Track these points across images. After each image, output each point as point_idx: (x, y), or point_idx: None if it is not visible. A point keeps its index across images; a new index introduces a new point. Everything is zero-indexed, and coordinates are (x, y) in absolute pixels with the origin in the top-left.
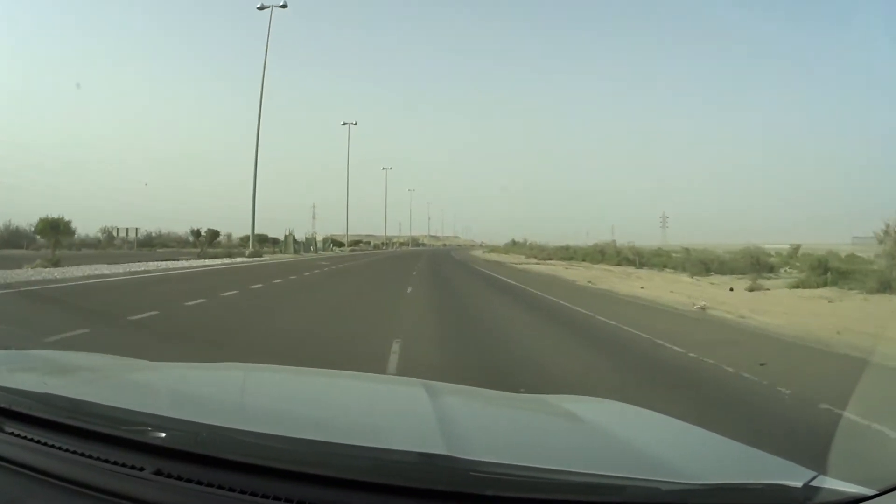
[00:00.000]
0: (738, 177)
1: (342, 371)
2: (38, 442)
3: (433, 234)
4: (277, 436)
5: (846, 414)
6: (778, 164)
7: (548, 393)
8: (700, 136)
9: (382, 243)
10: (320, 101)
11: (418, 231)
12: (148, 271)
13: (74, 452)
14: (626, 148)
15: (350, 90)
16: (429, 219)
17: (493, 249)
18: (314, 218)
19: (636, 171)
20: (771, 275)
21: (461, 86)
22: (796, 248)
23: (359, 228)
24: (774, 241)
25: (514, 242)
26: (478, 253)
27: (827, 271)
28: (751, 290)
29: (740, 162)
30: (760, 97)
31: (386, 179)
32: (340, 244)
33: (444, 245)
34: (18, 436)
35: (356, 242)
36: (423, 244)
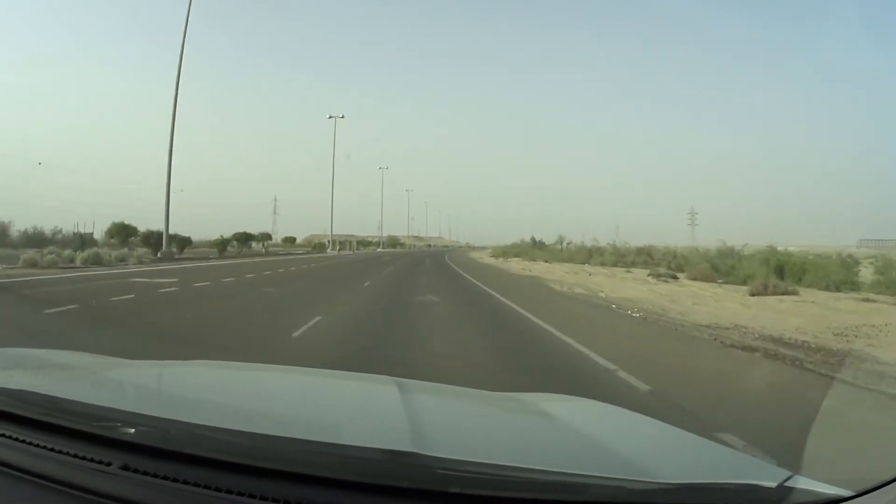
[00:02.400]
0: (743, 177)
1: (314, 369)
2: (10, 438)
3: (416, 233)
4: (244, 432)
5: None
6: (784, 166)
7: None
8: (701, 131)
9: (328, 243)
10: (295, 91)
11: (399, 231)
12: None
13: (46, 448)
14: (627, 146)
15: (330, 82)
16: (411, 217)
17: (503, 253)
18: (275, 214)
19: (643, 167)
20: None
21: (444, 81)
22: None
23: (336, 228)
24: (780, 243)
25: (534, 243)
26: (481, 256)
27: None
28: None
29: (745, 161)
30: (768, 99)
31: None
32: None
33: (430, 246)
34: None
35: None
36: (403, 245)
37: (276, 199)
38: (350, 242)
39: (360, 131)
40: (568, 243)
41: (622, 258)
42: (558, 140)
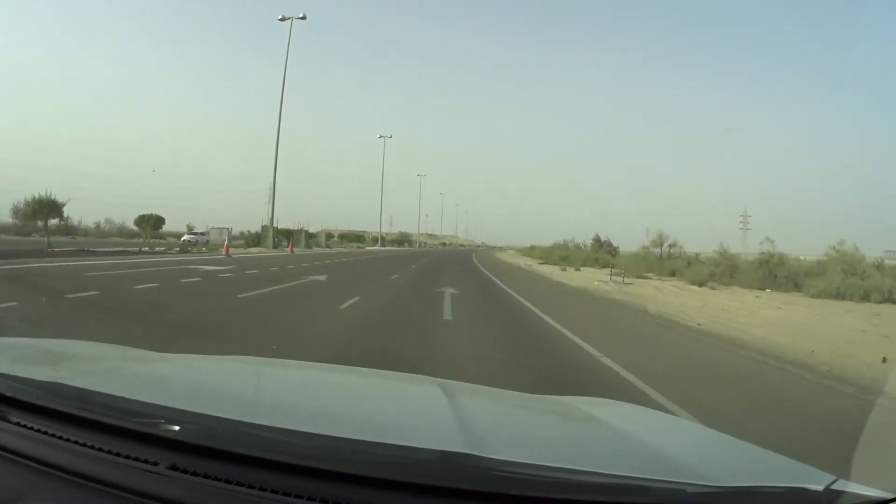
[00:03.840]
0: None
1: (356, 367)
2: (44, 433)
3: (429, 231)
4: (293, 431)
5: None
6: (814, 177)
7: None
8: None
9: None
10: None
11: (410, 227)
12: None
13: (83, 444)
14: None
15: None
16: (426, 215)
17: (527, 254)
18: (270, 202)
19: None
20: None
21: (458, 75)
22: None
23: (349, 223)
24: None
25: (600, 245)
26: (530, 264)
27: None
28: None
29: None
30: (794, 110)
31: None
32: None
33: (445, 245)
34: (23, 426)
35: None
36: (412, 243)
37: (272, 188)
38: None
39: (375, 117)
40: (669, 246)
41: (730, 271)
42: (582, 140)
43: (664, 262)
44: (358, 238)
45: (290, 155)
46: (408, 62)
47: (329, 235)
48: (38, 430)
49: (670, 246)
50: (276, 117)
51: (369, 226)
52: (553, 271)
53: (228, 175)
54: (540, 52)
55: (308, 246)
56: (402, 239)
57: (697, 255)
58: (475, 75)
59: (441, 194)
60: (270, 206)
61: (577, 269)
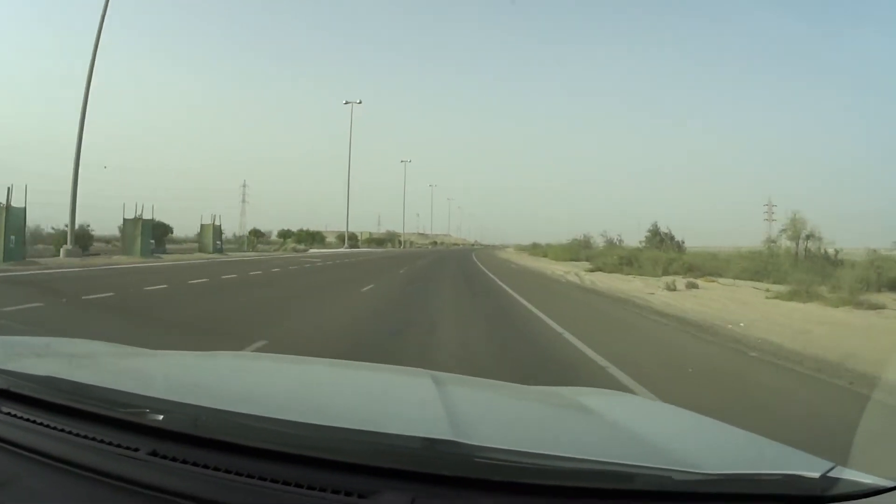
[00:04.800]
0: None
1: (345, 360)
2: (36, 423)
3: (421, 230)
4: (277, 419)
5: None
6: (821, 167)
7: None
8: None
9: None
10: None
11: (399, 226)
12: None
13: (72, 433)
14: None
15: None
16: (417, 214)
17: (532, 252)
18: (244, 202)
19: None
20: None
21: (448, 72)
22: None
23: (327, 222)
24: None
25: (661, 238)
26: (544, 267)
27: None
28: None
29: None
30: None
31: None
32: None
33: (435, 244)
34: (18, 417)
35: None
36: (404, 242)
37: (245, 185)
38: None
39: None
40: (807, 238)
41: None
42: (581, 134)
43: (801, 263)
44: (310, 236)
45: (262, 148)
46: (392, 53)
47: (287, 234)
48: (29, 420)
49: (808, 238)
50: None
51: (359, 225)
52: (666, 296)
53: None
54: (535, 42)
55: (217, 250)
56: (386, 238)
57: (836, 254)
58: (468, 66)
59: (431, 186)
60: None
61: (692, 283)
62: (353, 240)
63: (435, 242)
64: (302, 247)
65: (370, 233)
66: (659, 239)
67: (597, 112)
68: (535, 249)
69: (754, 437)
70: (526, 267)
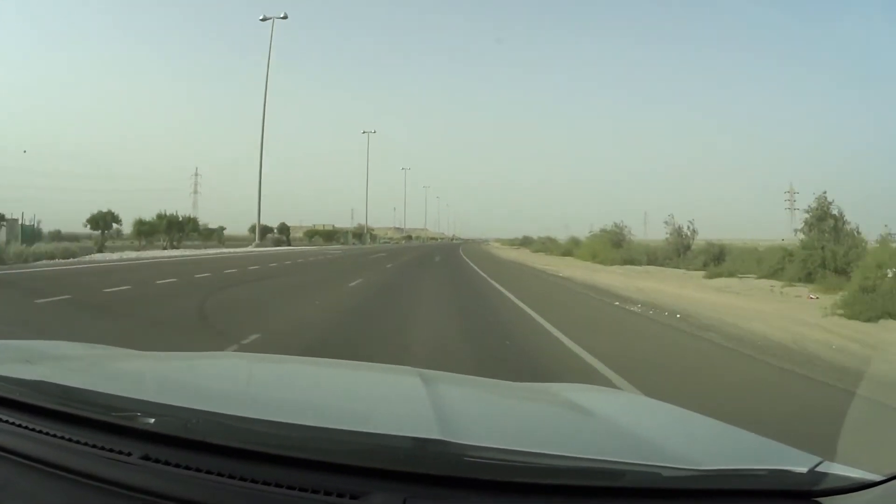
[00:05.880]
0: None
1: (337, 360)
2: (25, 428)
3: (397, 225)
4: (267, 421)
5: None
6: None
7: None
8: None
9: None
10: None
11: (375, 222)
12: None
13: (63, 438)
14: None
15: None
16: (393, 209)
17: (539, 249)
18: (195, 192)
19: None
20: None
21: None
22: None
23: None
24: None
25: (621, 232)
26: (559, 268)
27: None
28: None
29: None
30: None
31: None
32: None
33: (409, 238)
34: (8, 422)
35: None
36: (367, 236)
37: (197, 173)
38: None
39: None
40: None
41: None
42: (558, 130)
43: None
44: (182, 228)
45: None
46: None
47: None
48: (20, 426)
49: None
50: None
51: (332, 220)
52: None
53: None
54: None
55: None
56: (335, 233)
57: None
58: (447, 54)
59: (403, 169)
60: None
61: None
62: (283, 233)
63: (409, 237)
64: (215, 247)
65: (323, 226)
66: (829, 223)
67: (576, 105)
68: (538, 245)
69: (743, 432)
70: (603, 286)
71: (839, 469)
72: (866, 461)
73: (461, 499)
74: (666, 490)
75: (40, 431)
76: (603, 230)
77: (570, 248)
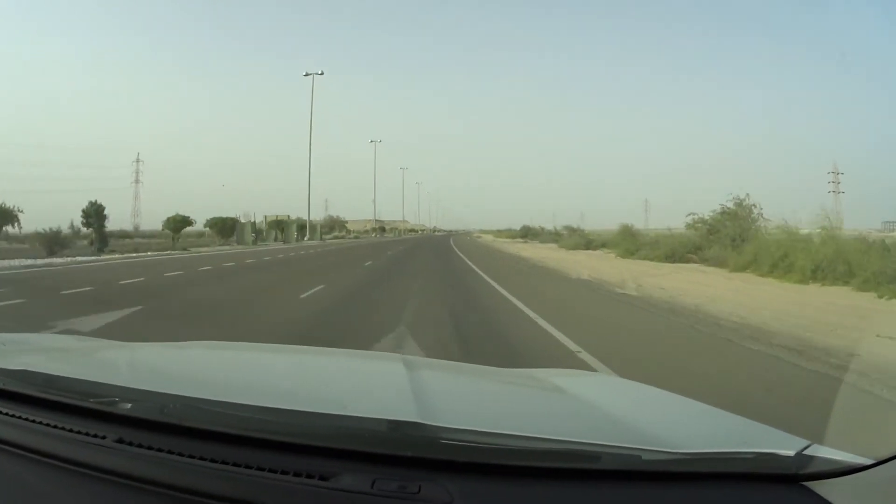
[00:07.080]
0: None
1: (318, 347)
2: (9, 415)
3: (372, 217)
4: (243, 404)
5: None
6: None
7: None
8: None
9: None
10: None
11: (350, 214)
12: None
13: (43, 423)
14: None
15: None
16: (371, 200)
17: (550, 240)
18: (137, 182)
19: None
20: None
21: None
22: None
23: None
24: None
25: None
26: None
27: None
28: None
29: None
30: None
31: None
32: None
33: (381, 231)
34: None
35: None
36: (315, 229)
37: (138, 160)
38: None
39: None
40: None
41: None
42: (541, 120)
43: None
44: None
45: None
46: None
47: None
48: (4, 413)
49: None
50: None
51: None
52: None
53: None
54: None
55: None
56: (288, 224)
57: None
58: (425, 44)
59: (373, 142)
60: None
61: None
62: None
63: (383, 228)
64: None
65: (276, 215)
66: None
67: (562, 94)
68: (566, 240)
69: (727, 414)
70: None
71: (827, 452)
72: None
73: (434, 481)
74: (648, 473)
75: (22, 418)
76: (623, 224)
77: (629, 244)
